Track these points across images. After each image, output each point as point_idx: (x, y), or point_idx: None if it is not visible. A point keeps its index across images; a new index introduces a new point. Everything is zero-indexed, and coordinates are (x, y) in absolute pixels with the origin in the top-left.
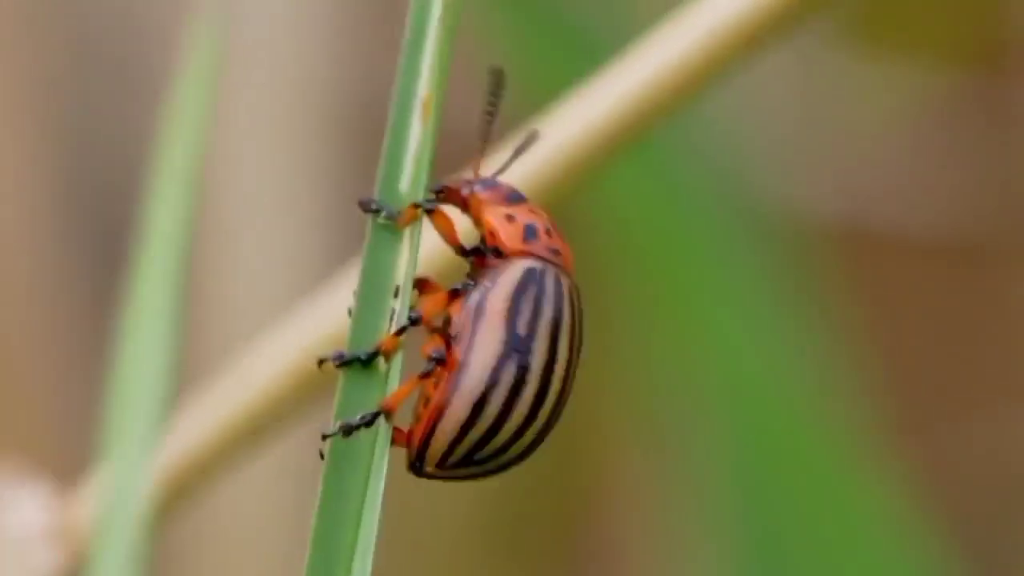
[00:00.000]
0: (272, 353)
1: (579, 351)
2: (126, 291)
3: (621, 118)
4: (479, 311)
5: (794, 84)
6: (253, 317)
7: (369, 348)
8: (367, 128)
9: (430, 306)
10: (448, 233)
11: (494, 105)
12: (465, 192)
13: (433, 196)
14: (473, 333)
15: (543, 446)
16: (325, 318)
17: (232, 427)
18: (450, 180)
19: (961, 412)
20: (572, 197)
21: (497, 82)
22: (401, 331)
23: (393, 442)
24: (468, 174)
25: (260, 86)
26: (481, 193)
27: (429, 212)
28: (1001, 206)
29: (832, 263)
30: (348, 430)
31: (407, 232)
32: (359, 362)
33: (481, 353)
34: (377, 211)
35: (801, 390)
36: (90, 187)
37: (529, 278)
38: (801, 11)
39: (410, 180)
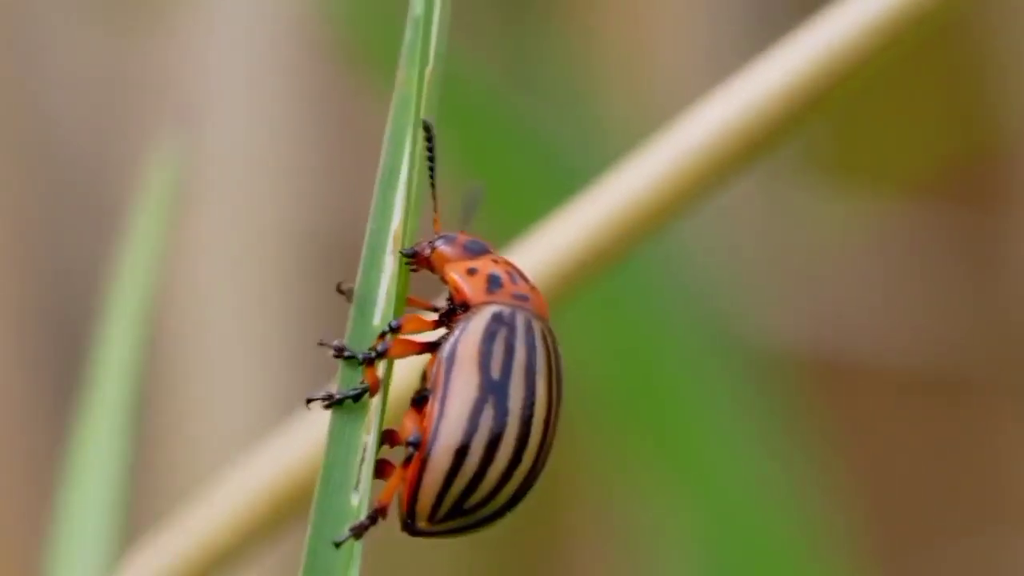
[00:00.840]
0: (236, 484)
1: (559, 391)
2: (75, 427)
3: (592, 244)
4: (451, 360)
5: (762, 211)
6: (215, 454)
7: (357, 385)
8: (336, 257)
9: (410, 326)
10: (421, 327)
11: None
12: (427, 252)
13: (382, 344)
14: (447, 382)
15: (531, 495)
16: (291, 449)
17: (194, 558)
18: (416, 245)
19: (936, 539)
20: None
21: (473, 200)
22: (382, 354)
23: (380, 476)
24: (428, 235)
25: (228, 219)
26: (441, 248)
27: (397, 329)
28: (973, 335)
29: (806, 391)
30: (357, 531)
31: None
32: (350, 400)
33: (457, 400)
34: (341, 355)
35: (776, 517)
36: (54, 315)
37: (498, 321)
38: (771, 138)
39: (382, 316)
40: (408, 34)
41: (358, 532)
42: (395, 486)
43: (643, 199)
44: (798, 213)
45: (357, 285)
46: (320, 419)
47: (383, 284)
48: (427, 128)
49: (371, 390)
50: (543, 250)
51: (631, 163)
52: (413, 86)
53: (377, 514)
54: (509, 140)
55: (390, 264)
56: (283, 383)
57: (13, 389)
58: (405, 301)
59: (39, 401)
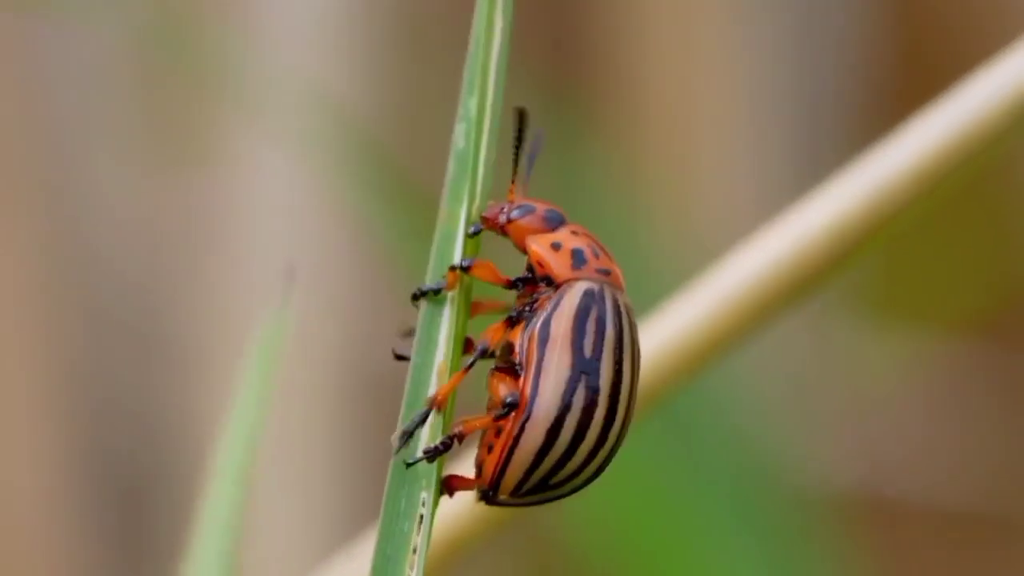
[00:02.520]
0: None
1: (639, 365)
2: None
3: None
4: (544, 337)
5: (808, 348)
6: None
7: (432, 392)
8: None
9: (493, 336)
10: (493, 278)
11: (520, 142)
12: (502, 219)
13: (469, 258)
14: (540, 359)
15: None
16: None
17: None
18: (487, 210)
19: None
20: None
21: (522, 121)
22: (471, 365)
23: (449, 488)
24: (503, 201)
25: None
26: (519, 219)
27: (468, 269)
28: (1012, 473)
29: (848, 527)
30: (431, 454)
31: (455, 295)
32: (426, 412)
33: (551, 379)
34: (424, 294)
35: None
36: (103, 454)
37: (589, 300)
38: (817, 277)
39: (425, 444)
40: (451, 168)
41: (432, 455)
42: (481, 423)
43: (690, 337)
44: (844, 350)
45: (401, 420)
46: (365, 548)
47: (426, 420)
48: (521, 115)
49: (449, 285)
50: None
51: (678, 300)
52: (457, 222)
53: (453, 439)
54: None
55: (432, 391)
56: (330, 514)
57: (74, 524)
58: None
59: (97, 537)
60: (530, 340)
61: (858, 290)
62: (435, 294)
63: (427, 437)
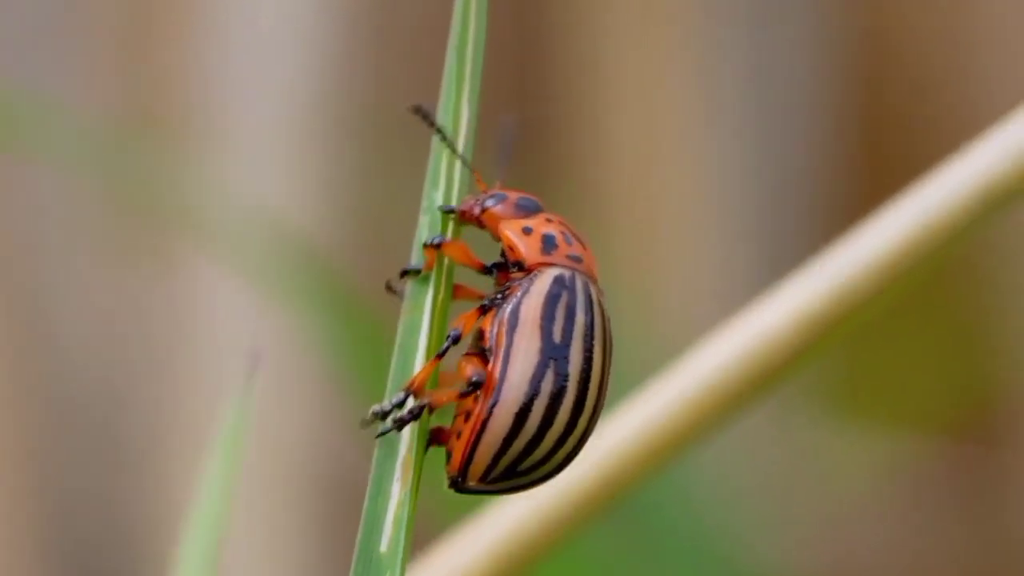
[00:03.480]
0: None
1: (611, 353)
2: None
3: (602, 477)
4: (513, 322)
5: (770, 445)
6: None
7: (407, 384)
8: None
9: (466, 323)
10: (465, 259)
11: (504, 155)
12: (476, 210)
13: (438, 235)
14: (509, 345)
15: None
16: None
17: None
18: (462, 203)
19: None
20: (557, 549)
21: (508, 135)
22: (443, 353)
23: (433, 443)
24: (475, 192)
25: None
26: (492, 207)
27: (440, 245)
28: (975, 568)
29: None
30: (399, 423)
31: (434, 274)
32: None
33: (519, 364)
34: (407, 273)
35: None
36: (70, 544)
37: (559, 286)
38: (781, 372)
39: (390, 542)
40: (413, 265)
41: (400, 424)
42: (448, 397)
43: (652, 430)
44: (807, 446)
45: (364, 517)
46: None
47: (390, 510)
48: (423, 115)
49: (427, 265)
50: (551, 486)
51: (640, 394)
52: (421, 312)
53: (422, 409)
54: None
55: (396, 490)
56: None
57: None
58: (453, 284)
59: None
60: (500, 326)
61: (822, 386)
62: (416, 274)
63: (407, 436)
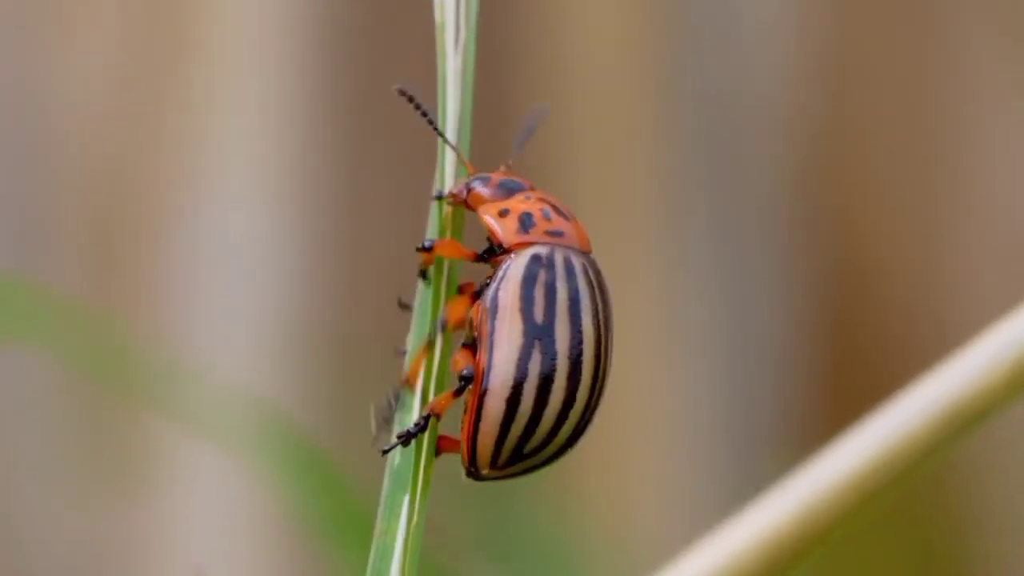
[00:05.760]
0: None
1: (607, 323)
2: None
3: None
4: (493, 308)
5: None
6: None
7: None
8: None
9: (452, 312)
10: (458, 254)
11: (525, 137)
12: (463, 193)
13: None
14: (492, 332)
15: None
16: None
17: None
18: (453, 187)
19: None
20: None
21: (535, 120)
22: (431, 342)
23: (440, 451)
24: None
25: None
26: (476, 188)
27: (431, 249)
28: None
29: None
30: (405, 438)
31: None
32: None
33: (503, 349)
34: (424, 273)
35: None
36: None
37: (536, 264)
38: None
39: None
40: (386, 484)
41: (406, 438)
42: (445, 399)
43: None
44: None
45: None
46: None
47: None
48: (408, 97)
49: (424, 262)
50: None
51: None
52: (393, 538)
53: (427, 419)
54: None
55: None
56: None
57: None
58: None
59: None
60: (482, 314)
61: None
62: (424, 277)
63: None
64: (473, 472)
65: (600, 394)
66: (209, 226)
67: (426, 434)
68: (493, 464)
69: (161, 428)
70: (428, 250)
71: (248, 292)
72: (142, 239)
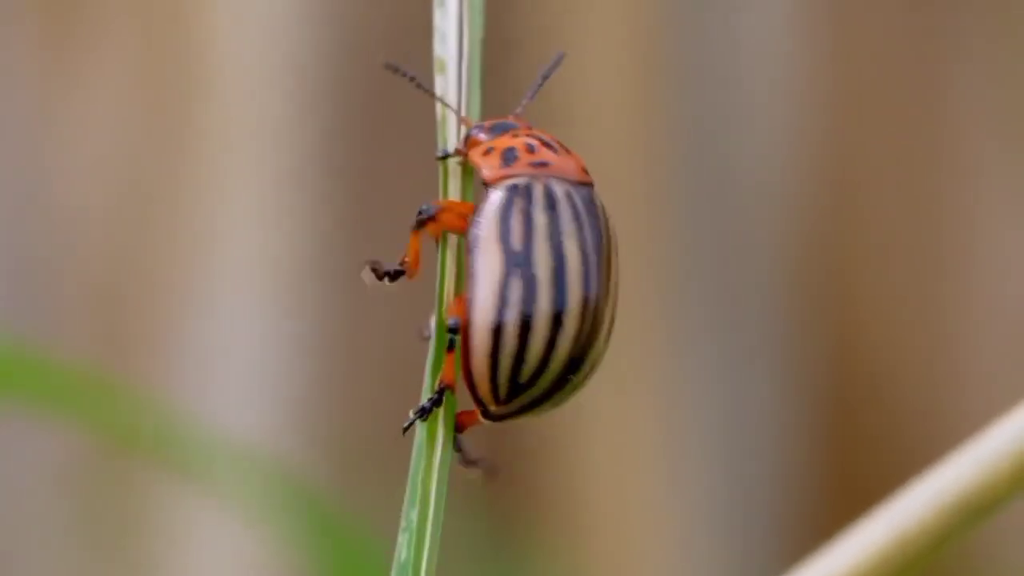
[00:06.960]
0: None
1: (597, 247)
2: None
3: None
4: (474, 243)
5: None
6: None
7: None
8: None
9: (446, 216)
10: (460, 208)
11: (542, 81)
12: (462, 144)
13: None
14: (473, 265)
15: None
16: None
17: None
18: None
19: None
20: None
21: (553, 66)
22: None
23: (461, 428)
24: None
25: None
26: (472, 135)
27: (434, 216)
28: None
29: None
30: (421, 413)
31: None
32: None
33: (483, 281)
34: (387, 274)
35: None
36: None
37: (512, 193)
38: None
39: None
40: (400, 545)
41: (423, 413)
42: (448, 362)
43: None
44: None
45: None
46: None
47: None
48: (395, 69)
49: (411, 266)
50: None
51: None
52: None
53: (442, 392)
54: None
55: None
56: None
57: None
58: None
59: None
60: (468, 252)
61: None
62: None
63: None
64: (486, 413)
65: (597, 319)
66: (218, 291)
67: (429, 523)
68: (496, 399)
69: (167, 490)
70: (432, 218)
71: (258, 354)
72: (150, 303)
